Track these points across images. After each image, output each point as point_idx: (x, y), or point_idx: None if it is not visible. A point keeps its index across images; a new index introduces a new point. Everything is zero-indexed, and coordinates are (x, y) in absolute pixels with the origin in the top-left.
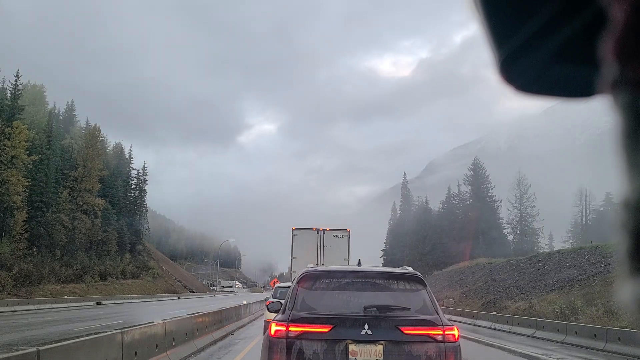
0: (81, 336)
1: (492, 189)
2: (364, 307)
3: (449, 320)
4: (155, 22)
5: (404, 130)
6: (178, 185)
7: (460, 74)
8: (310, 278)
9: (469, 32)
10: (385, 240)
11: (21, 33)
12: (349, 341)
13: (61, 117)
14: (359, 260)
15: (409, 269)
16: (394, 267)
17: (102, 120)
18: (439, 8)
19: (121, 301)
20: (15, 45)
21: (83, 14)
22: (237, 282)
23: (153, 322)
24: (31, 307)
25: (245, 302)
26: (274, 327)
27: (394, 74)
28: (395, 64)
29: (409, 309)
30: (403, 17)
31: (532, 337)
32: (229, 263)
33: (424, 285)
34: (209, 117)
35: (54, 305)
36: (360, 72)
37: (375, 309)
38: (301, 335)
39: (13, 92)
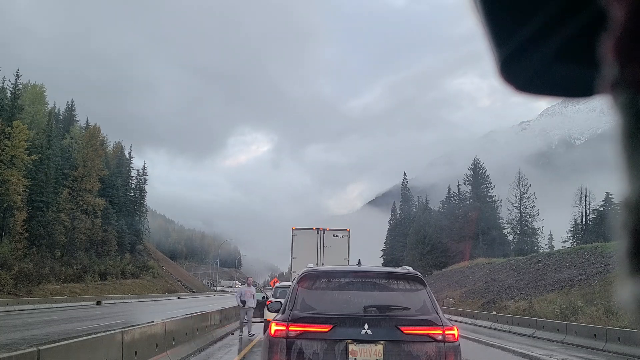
0: (81, 336)
1: (492, 188)
2: (364, 307)
3: (448, 320)
4: (145, 60)
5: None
6: (178, 186)
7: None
8: (310, 278)
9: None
10: (385, 240)
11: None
12: (349, 341)
13: (61, 117)
14: (359, 260)
15: (409, 268)
16: (394, 267)
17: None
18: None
19: (121, 301)
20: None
21: (87, 51)
22: (237, 282)
23: (153, 321)
24: (31, 306)
25: None
26: (274, 327)
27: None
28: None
29: (409, 308)
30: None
31: (532, 336)
32: (229, 263)
33: (424, 285)
34: (205, 131)
35: (54, 305)
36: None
37: (375, 308)
38: (301, 335)
39: (13, 91)
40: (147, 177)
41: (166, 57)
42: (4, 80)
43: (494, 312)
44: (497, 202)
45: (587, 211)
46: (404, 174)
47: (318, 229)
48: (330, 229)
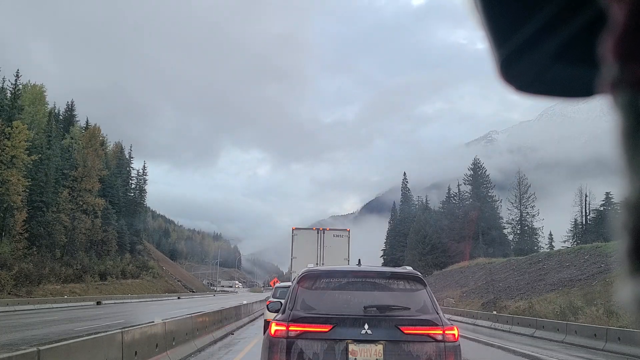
0: (81, 336)
1: (492, 188)
2: (364, 307)
3: (449, 320)
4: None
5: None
6: (179, 186)
7: None
8: (310, 278)
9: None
10: (385, 240)
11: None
12: (349, 341)
13: (61, 117)
14: (359, 260)
15: (409, 268)
16: (394, 267)
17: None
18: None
19: (121, 301)
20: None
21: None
22: (237, 282)
23: (153, 322)
24: (31, 307)
25: (245, 302)
26: (274, 327)
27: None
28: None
29: (409, 308)
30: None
31: (532, 336)
32: (229, 263)
33: (424, 285)
34: (209, 143)
35: (54, 305)
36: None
37: (375, 308)
38: (301, 335)
39: (13, 92)
40: (147, 178)
41: (177, 86)
42: (4, 81)
43: (494, 312)
44: (497, 202)
45: (587, 211)
46: (404, 173)
47: (318, 229)
48: (330, 229)
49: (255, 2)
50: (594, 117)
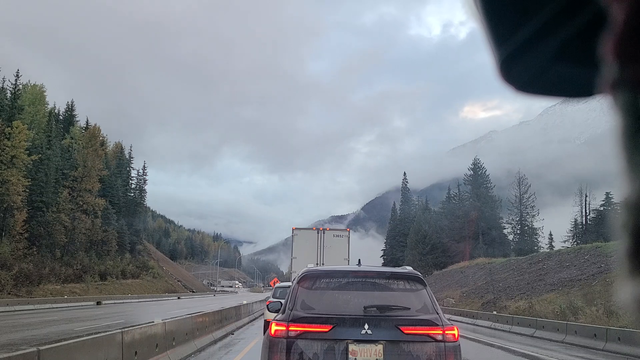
0: (81, 336)
1: (492, 189)
2: (364, 307)
3: (449, 320)
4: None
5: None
6: (178, 186)
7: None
8: (310, 278)
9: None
10: (385, 240)
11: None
12: (349, 341)
13: (61, 117)
14: (359, 260)
15: (409, 268)
16: (394, 267)
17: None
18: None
19: (121, 301)
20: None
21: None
22: (237, 282)
23: (153, 322)
24: (31, 307)
25: (245, 302)
26: (274, 327)
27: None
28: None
29: (409, 308)
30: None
31: (532, 336)
32: (229, 263)
33: (424, 285)
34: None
35: (54, 305)
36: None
37: (375, 308)
38: (301, 335)
39: (13, 92)
40: (146, 178)
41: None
42: (4, 81)
43: (494, 312)
44: (497, 202)
45: (587, 211)
46: (404, 173)
47: (318, 229)
48: (330, 229)
49: (248, 35)
50: (594, 117)
